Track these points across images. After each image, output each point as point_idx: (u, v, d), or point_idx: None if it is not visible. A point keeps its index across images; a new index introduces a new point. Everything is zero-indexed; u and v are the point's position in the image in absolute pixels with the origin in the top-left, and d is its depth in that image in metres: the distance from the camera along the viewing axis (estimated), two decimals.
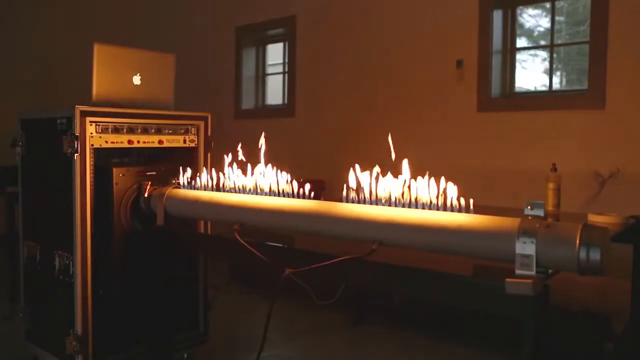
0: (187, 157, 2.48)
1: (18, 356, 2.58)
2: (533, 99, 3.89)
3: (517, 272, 1.26)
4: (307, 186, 1.83)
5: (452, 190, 1.47)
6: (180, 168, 2.26)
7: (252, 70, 5.63)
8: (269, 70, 5.66)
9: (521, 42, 4.00)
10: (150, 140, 2.38)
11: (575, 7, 3.85)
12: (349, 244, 1.66)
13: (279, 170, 1.95)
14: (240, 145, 2.03)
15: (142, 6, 6.27)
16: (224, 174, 2.10)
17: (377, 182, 1.59)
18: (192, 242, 2.37)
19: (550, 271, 1.30)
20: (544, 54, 3.95)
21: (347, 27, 4.70)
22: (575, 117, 3.52)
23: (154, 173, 2.30)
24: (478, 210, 1.44)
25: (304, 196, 1.84)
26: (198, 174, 2.22)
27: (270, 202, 1.86)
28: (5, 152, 2.63)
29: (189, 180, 2.22)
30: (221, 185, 2.08)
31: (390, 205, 1.59)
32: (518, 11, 3.94)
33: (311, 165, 4.60)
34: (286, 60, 5.26)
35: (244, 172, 2.03)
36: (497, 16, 3.90)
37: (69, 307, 2.17)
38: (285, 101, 5.26)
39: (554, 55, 3.84)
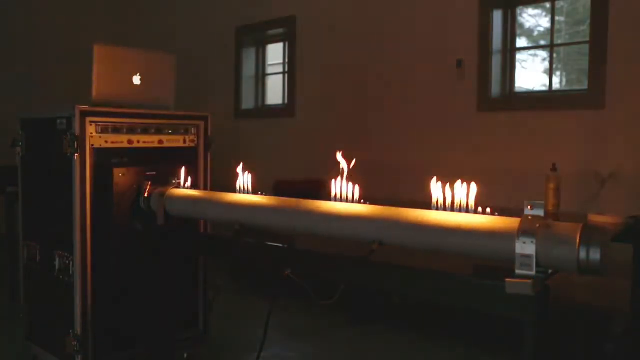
0: (187, 157, 2.48)
1: (18, 356, 2.58)
2: (533, 99, 3.89)
3: (517, 272, 1.26)
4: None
5: (460, 191, 1.46)
6: (182, 172, 2.24)
7: (252, 70, 5.63)
8: (269, 70, 5.66)
9: (521, 42, 4.00)
10: (150, 140, 2.38)
11: (575, 7, 3.85)
12: (349, 244, 1.66)
13: None
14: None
15: (142, 6, 6.27)
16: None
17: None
18: (192, 242, 2.36)
19: (550, 271, 1.30)
20: (544, 54, 3.95)
21: (347, 27, 4.70)
22: (575, 117, 3.52)
23: (154, 173, 2.30)
24: (478, 210, 1.44)
25: (303, 196, 1.84)
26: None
27: (270, 202, 1.85)
28: (5, 152, 2.63)
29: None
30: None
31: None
32: (518, 11, 3.94)
33: (311, 165, 4.60)
34: (286, 60, 5.26)
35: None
36: (497, 16, 3.90)
37: (69, 307, 2.17)
38: (285, 101, 5.26)
39: (554, 55, 3.84)
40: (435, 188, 1.47)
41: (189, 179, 2.23)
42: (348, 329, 3.19)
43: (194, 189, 2.21)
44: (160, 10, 6.18)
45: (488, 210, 1.41)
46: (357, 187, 1.67)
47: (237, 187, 1.96)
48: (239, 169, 1.97)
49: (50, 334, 2.32)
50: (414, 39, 4.24)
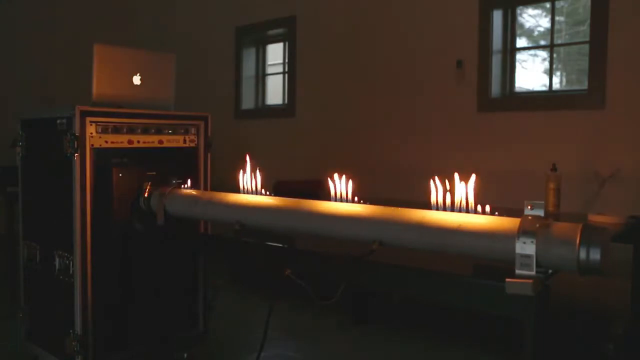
0: (187, 157, 2.48)
1: (18, 356, 2.58)
2: (533, 99, 3.89)
3: (517, 272, 1.26)
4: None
5: (461, 190, 1.45)
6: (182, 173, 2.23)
7: (252, 70, 5.63)
8: (269, 70, 5.66)
9: (521, 42, 4.00)
10: (150, 140, 2.38)
11: (575, 7, 3.85)
12: (349, 244, 1.66)
13: None
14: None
15: (142, 6, 6.27)
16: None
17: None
18: (192, 242, 2.36)
19: (550, 271, 1.30)
20: (544, 54, 3.95)
21: (347, 27, 4.70)
22: (575, 117, 3.52)
23: (154, 173, 2.30)
24: (478, 210, 1.44)
25: (303, 196, 1.84)
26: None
27: (269, 201, 1.85)
28: (5, 152, 2.63)
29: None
30: None
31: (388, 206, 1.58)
32: (518, 11, 3.94)
33: (311, 165, 4.61)
34: (286, 60, 5.26)
35: None
36: (497, 16, 3.90)
37: (69, 307, 2.17)
38: (285, 101, 5.26)
39: (554, 55, 3.84)
40: (435, 188, 1.47)
41: (189, 179, 2.23)
42: (348, 329, 3.19)
43: (194, 189, 2.21)
44: (161, 10, 6.18)
45: (488, 210, 1.41)
46: (350, 185, 1.66)
47: (241, 186, 1.95)
48: (247, 168, 1.93)
49: (50, 334, 2.32)
50: (414, 39, 4.24)
